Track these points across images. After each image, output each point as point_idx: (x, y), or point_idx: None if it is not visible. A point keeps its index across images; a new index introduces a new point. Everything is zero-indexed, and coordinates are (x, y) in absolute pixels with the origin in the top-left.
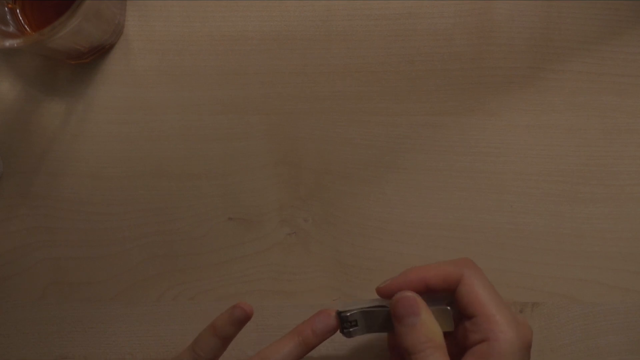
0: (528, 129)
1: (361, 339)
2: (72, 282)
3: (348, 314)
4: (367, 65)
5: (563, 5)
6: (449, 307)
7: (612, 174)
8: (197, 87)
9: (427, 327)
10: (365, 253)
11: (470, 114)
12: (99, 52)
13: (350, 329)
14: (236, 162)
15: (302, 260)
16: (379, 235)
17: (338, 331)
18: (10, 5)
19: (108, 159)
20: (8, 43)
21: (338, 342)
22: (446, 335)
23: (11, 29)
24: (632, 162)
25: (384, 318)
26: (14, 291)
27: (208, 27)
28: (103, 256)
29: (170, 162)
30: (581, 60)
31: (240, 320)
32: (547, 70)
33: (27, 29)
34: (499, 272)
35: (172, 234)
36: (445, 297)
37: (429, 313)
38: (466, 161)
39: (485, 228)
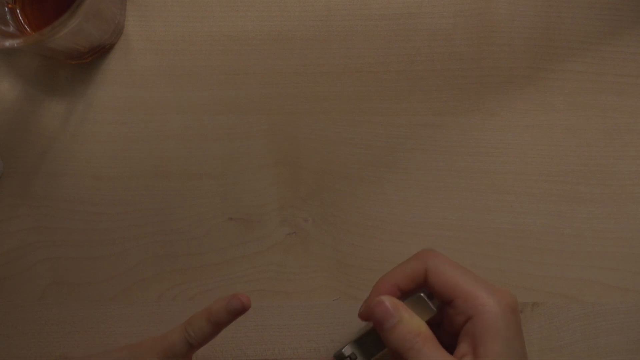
0: (528, 129)
1: None
2: (72, 282)
3: (342, 350)
4: (367, 65)
5: (563, 5)
6: (421, 294)
7: (612, 174)
8: (197, 87)
9: (408, 322)
10: (365, 253)
11: (470, 114)
12: (99, 52)
13: None
14: (236, 162)
15: (302, 260)
16: (379, 235)
17: None
18: (10, 5)
19: (108, 159)
20: (8, 43)
21: None
22: (436, 329)
23: (11, 29)
24: (632, 162)
25: (374, 337)
26: (14, 291)
27: (208, 27)
28: (103, 256)
29: (170, 162)
30: (581, 60)
31: (236, 311)
32: (547, 70)
33: (27, 29)
34: (499, 272)
35: (172, 234)
36: (424, 292)
37: (406, 309)
38: (466, 161)
39: (485, 228)
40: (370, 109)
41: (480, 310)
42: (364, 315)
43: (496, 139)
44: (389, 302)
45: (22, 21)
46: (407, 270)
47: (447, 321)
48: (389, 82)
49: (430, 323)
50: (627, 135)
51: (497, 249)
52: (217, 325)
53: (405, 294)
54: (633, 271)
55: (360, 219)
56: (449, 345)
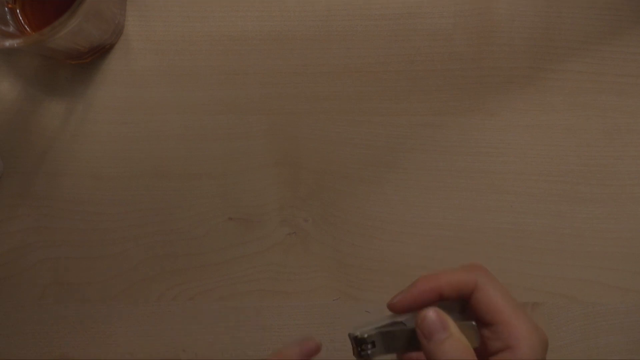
0: (528, 129)
1: None
2: (72, 282)
3: (366, 335)
4: (367, 65)
5: (563, 5)
6: (474, 323)
7: (612, 174)
8: (197, 87)
9: (459, 340)
10: (365, 253)
11: (470, 114)
12: (99, 52)
13: (369, 351)
14: (236, 162)
15: (302, 260)
16: (379, 235)
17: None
18: (10, 5)
19: (108, 159)
20: (8, 43)
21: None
22: None
23: (11, 29)
24: (632, 162)
25: (405, 337)
26: (14, 291)
27: (208, 27)
28: (103, 256)
29: (170, 162)
30: (581, 60)
31: (310, 351)
32: (547, 70)
33: (27, 29)
34: (499, 272)
35: (172, 234)
36: (458, 303)
37: (455, 325)
38: (466, 161)
39: (485, 228)
40: (370, 109)
41: (521, 343)
42: (397, 308)
43: (496, 139)
44: (443, 315)
45: (22, 21)
46: (456, 278)
47: (480, 343)
48: (389, 82)
49: None
50: (627, 135)
51: (497, 249)
52: None
53: (443, 300)
54: (633, 271)
55: (360, 219)
56: None
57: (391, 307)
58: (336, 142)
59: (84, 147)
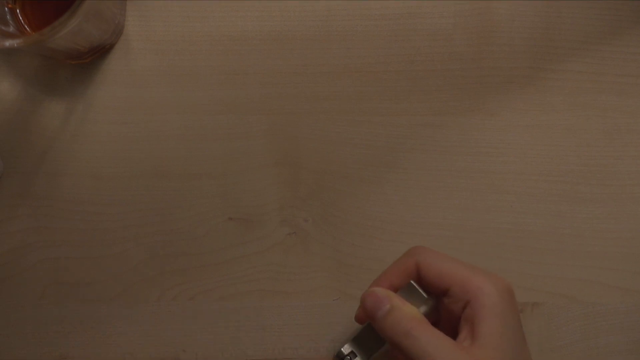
0: (528, 129)
1: None
2: (72, 282)
3: (342, 349)
4: (367, 65)
5: (563, 5)
6: (412, 282)
7: (612, 174)
8: (197, 87)
9: (401, 308)
10: (365, 253)
11: (470, 114)
12: (99, 52)
13: None
14: (236, 162)
15: (302, 260)
16: (379, 235)
17: None
18: (10, 5)
19: (108, 159)
20: (8, 43)
21: None
22: (436, 324)
23: (11, 29)
24: (632, 162)
25: (372, 333)
26: (14, 291)
27: (208, 27)
28: (103, 256)
29: (170, 162)
30: (581, 60)
31: None
32: (547, 70)
33: (27, 29)
34: (499, 272)
35: (172, 234)
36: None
37: (399, 297)
38: (466, 161)
39: (485, 228)
40: (370, 109)
41: (477, 293)
42: (360, 319)
43: (496, 139)
44: (379, 291)
45: (22, 21)
46: (400, 267)
47: (445, 314)
48: (389, 82)
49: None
50: (627, 135)
51: (497, 249)
52: None
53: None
54: (633, 271)
55: (360, 219)
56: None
57: (356, 319)
58: (336, 142)
59: (84, 147)
